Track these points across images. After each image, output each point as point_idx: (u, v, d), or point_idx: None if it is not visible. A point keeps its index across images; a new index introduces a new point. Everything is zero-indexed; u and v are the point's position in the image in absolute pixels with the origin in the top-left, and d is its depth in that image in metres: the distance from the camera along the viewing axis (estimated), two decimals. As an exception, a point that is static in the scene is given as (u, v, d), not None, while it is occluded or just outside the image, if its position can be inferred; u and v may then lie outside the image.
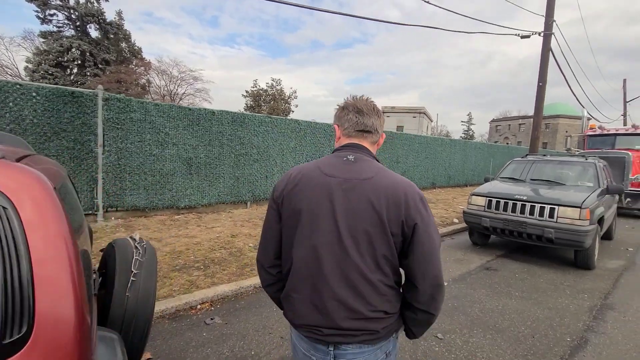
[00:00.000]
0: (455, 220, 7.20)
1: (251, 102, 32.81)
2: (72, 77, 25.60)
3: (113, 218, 5.45)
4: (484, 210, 5.08)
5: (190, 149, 6.02)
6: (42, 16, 26.28)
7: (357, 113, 1.14)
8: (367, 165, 1.08)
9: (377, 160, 1.15)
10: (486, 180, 6.07)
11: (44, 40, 26.44)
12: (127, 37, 30.33)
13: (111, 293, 1.41)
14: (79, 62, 26.35)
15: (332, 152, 1.18)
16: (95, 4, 27.63)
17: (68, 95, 4.76)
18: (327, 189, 1.04)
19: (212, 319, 3.00)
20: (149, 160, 5.58)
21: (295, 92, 33.93)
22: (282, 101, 33.13)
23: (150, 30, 53.28)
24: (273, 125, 7.18)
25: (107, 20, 27.98)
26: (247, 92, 33.34)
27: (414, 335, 1.15)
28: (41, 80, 22.62)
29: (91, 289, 1.14)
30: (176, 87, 29.76)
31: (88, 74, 25.90)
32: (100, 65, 26.50)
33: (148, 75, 30.43)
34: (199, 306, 3.20)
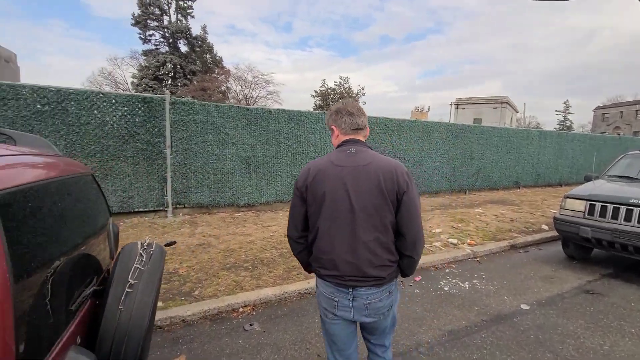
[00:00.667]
0: (544, 227, 6.04)
1: (320, 102, 33.28)
2: (166, 88, 29.11)
3: (181, 214, 5.85)
4: (583, 217, 4.07)
5: (249, 148, 6.14)
6: (143, 37, 30.44)
7: (350, 115, 1.49)
8: (365, 154, 1.43)
9: (371, 148, 1.50)
10: (587, 179, 4.91)
11: (145, 57, 30.63)
12: (210, 49, 33.38)
13: (104, 305, 1.30)
14: (172, 74, 29.92)
15: (337, 148, 1.50)
16: (184, 21, 30.99)
17: (140, 101, 5.21)
18: (340, 176, 1.38)
19: (251, 324, 2.87)
20: (211, 159, 5.84)
21: (363, 89, 33.40)
22: (351, 99, 32.90)
23: (232, 42, 57.99)
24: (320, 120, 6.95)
25: (194, 35, 31.15)
26: (315, 92, 33.90)
27: (405, 274, 1.51)
28: (143, 92, 26.35)
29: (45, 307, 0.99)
30: (250, 91, 31.71)
31: (179, 84, 29.25)
32: (188, 76, 29.69)
33: (227, 82, 33.11)
34: (241, 309, 3.12)
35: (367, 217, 1.35)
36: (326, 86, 33.48)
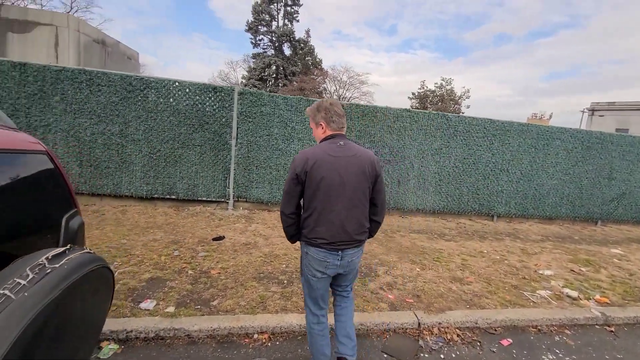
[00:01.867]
0: None
1: (417, 104, 31.22)
2: (268, 89, 31.35)
3: (241, 208, 5.69)
4: None
5: (315, 144, 5.61)
6: (254, 42, 33.36)
7: (339, 116, 1.90)
8: (351, 146, 1.84)
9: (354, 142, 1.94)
10: None
11: (253, 60, 33.54)
12: (311, 51, 34.65)
13: None
14: (275, 75, 32.10)
15: (325, 140, 1.87)
16: (289, 25, 32.84)
17: (211, 90, 5.18)
18: (335, 165, 1.75)
19: (258, 360, 2.28)
20: (274, 154, 5.51)
21: (468, 91, 29.92)
22: (452, 102, 29.90)
23: (337, 47, 59.48)
24: (412, 121, 5.91)
25: (297, 38, 32.75)
26: (413, 94, 31.95)
27: (371, 235, 2.03)
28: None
29: None
30: (345, 91, 31.70)
31: (280, 84, 31.20)
32: (288, 77, 31.39)
33: (324, 83, 33.89)
34: (255, 335, 2.55)
35: (355, 195, 1.79)
36: (425, 88, 31.20)
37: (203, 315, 2.65)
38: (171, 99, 5.08)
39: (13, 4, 9.28)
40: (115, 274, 3.20)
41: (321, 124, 1.87)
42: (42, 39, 6.32)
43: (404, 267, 3.90)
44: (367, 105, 5.77)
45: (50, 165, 1.46)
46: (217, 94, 5.19)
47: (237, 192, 5.54)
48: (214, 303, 2.83)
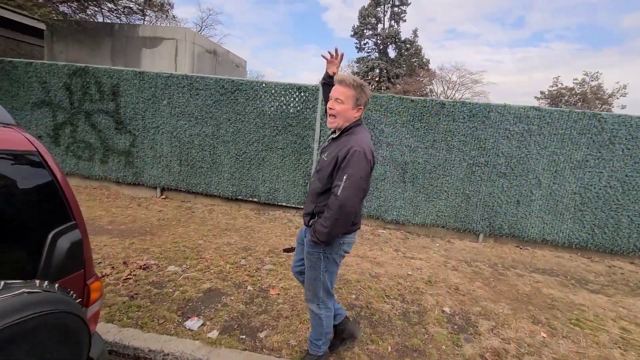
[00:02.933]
0: None
1: (547, 105, 26.06)
2: (368, 92, 30.82)
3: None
4: None
5: (407, 151, 4.78)
6: (358, 46, 33.39)
7: None
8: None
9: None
10: None
11: (357, 64, 33.61)
12: (417, 52, 32.77)
13: None
14: (377, 79, 31.46)
15: (357, 126, 1.88)
16: (395, 26, 31.71)
17: (295, 90, 4.91)
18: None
19: None
20: (359, 160, 4.91)
21: (624, 87, 23.39)
22: (598, 101, 23.88)
23: (449, 46, 54.96)
24: (542, 122, 4.47)
25: (402, 39, 31.39)
26: (542, 93, 26.82)
27: None
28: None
29: None
30: (454, 92, 28.79)
31: (382, 88, 30.40)
32: (392, 80, 30.31)
33: (431, 85, 31.59)
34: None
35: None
36: (559, 85, 25.78)
37: (245, 349, 2.24)
38: (258, 101, 5.01)
39: (150, 23, 11.09)
40: (180, 278, 3.13)
41: (360, 108, 1.85)
42: (165, 51, 7.23)
43: (521, 326, 2.77)
44: (477, 103, 4.62)
45: (40, 168, 1.20)
46: (302, 93, 4.90)
47: (317, 200, 5.14)
48: (261, 335, 2.40)
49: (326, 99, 2.06)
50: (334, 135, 1.91)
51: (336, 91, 1.80)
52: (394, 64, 31.48)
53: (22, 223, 1.14)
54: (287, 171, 5.15)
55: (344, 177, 1.67)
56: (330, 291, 2.01)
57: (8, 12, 8.96)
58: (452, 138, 4.65)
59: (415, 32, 32.86)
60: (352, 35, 32.74)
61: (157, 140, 5.46)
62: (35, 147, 1.21)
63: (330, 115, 1.83)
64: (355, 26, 32.12)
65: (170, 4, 9.25)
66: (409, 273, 3.63)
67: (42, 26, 8.00)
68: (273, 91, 4.96)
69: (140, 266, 3.27)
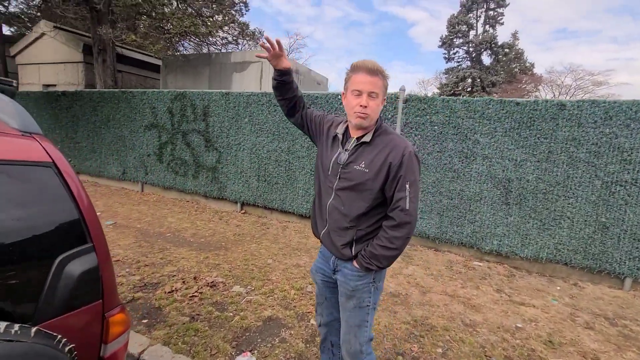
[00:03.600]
0: None
1: None
2: (459, 103, 28.51)
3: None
4: None
5: (511, 165, 3.86)
6: (447, 56, 31.48)
7: None
8: None
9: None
10: None
11: (445, 75, 31.61)
12: (519, 56, 29.24)
13: None
14: (470, 89, 28.94)
15: (382, 124, 1.55)
16: (490, 31, 28.94)
17: (373, 100, 4.50)
18: None
19: None
20: (447, 176, 4.18)
21: None
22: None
23: (558, 48, 47.76)
24: None
25: (499, 44, 28.39)
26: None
27: None
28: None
29: None
30: (567, 97, 24.49)
31: (476, 97, 27.79)
32: (487, 89, 27.49)
33: (537, 91, 27.66)
34: None
35: None
36: None
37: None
38: (334, 114, 4.75)
39: (242, 49, 12.14)
40: (243, 301, 2.95)
41: (384, 99, 1.52)
42: (252, 73, 7.69)
43: None
44: (616, 102, 3.46)
45: (55, 181, 1.05)
46: (380, 104, 4.47)
47: (397, 221, 4.55)
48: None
49: (287, 99, 1.67)
50: (353, 139, 1.50)
51: (368, 83, 1.38)
52: (489, 71, 28.60)
53: (22, 245, 0.98)
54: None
55: (407, 186, 1.41)
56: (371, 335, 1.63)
57: (138, 54, 10.89)
58: (578, 148, 3.58)
59: (515, 34, 29.46)
60: (440, 46, 31.04)
61: (239, 156, 5.66)
62: (52, 158, 1.08)
63: (360, 116, 1.41)
64: (444, 36, 30.39)
65: (261, 32, 9.98)
66: (519, 325, 2.76)
67: (160, 62, 9.44)
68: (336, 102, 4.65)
69: (208, 283, 3.22)
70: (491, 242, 4.06)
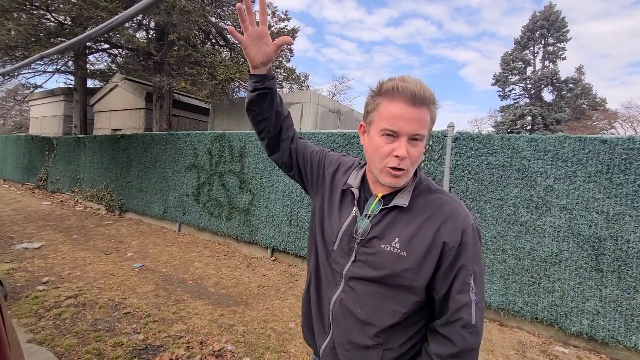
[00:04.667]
0: None
1: None
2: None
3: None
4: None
5: (601, 219, 2.97)
6: (502, 94, 30.06)
7: None
8: None
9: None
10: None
11: (501, 113, 29.96)
12: (586, 92, 26.91)
13: None
14: (530, 127, 26.88)
15: (426, 180, 1.01)
16: (551, 66, 27.24)
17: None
18: None
19: None
20: (512, 230, 3.38)
21: None
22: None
23: (635, 82, 43.53)
24: None
25: (562, 79, 26.47)
26: None
27: None
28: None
29: None
30: (653, 135, 21.36)
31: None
32: (550, 127, 25.31)
33: (611, 128, 24.82)
34: None
35: None
36: None
37: None
38: (370, 155, 4.30)
39: (287, 91, 12.48)
40: (248, 381, 2.39)
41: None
42: (293, 114, 7.67)
43: None
44: None
45: None
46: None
47: (448, 282, 3.75)
48: None
49: (267, 119, 1.11)
50: (376, 200, 0.98)
51: (412, 120, 0.86)
52: (552, 108, 26.49)
53: None
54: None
55: (471, 282, 0.88)
56: None
57: (192, 99, 11.74)
58: None
59: (579, 69, 27.40)
60: (493, 84, 29.80)
61: (272, 198, 5.36)
62: None
63: (395, 174, 0.89)
64: (497, 74, 29.24)
65: (305, 76, 10.23)
66: None
67: (209, 106, 9.99)
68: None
69: (214, 352, 2.73)
70: (579, 320, 3.06)
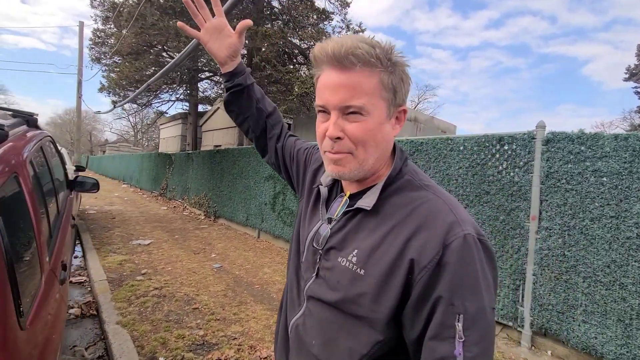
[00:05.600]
0: None
1: None
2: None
3: (549, 354, 3.00)
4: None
5: None
6: (639, 91, 24.14)
7: None
8: None
9: None
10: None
11: (639, 115, 24.06)
12: None
13: None
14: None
15: (408, 158, 0.79)
16: None
17: (494, 143, 3.37)
18: None
19: None
20: (634, 259, 2.53)
21: None
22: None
23: None
24: None
25: None
26: None
27: None
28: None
29: None
30: None
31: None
32: None
33: None
34: None
35: None
36: None
37: None
38: (441, 162, 3.85)
39: None
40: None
41: (401, 112, 0.74)
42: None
43: None
44: None
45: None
46: (505, 147, 3.30)
47: (540, 321, 3.01)
48: None
49: (250, 117, 1.05)
50: (345, 199, 0.80)
51: (338, 88, 0.66)
52: None
53: None
54: (484, 261, 3.43)
55: (457, 325, 0.58)
56: None
57: (279, 116, 12.67)
58: None
59: None
60: (627, 79, 24.08)
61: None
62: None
63: (332, 158, 0.71)
64: (632, 66, 23.57)
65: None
66: None
67: (291, 122, 10.61)
68: (462, 147, 3.66)
69: (261, 359, 2.74)
70: None
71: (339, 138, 0.67)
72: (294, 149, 1.06)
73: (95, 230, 6.92)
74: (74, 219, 2.60)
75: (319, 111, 0.72)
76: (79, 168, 6.52)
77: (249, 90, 1.01)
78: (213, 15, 0.95)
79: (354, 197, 0.78)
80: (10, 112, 1.77)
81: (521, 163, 3.16)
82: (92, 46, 12.15)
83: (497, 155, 3.34)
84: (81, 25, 14.66)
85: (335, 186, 0.85)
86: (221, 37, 0.93)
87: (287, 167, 1.08)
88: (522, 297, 3.14)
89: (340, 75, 0.66)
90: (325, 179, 0.86)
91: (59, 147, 3.39)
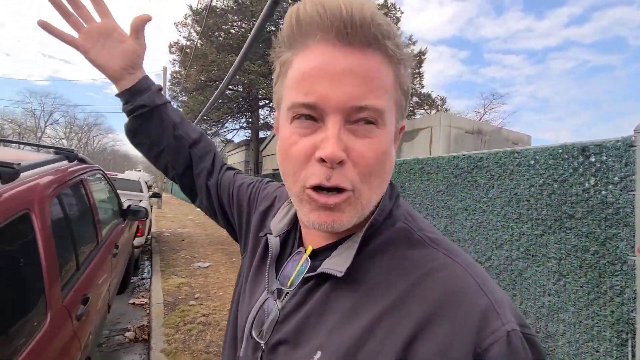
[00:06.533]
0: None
1: None
2: None
3: None
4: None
5: None
6: None
7: None
8: None
9: None
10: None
11: None
12: None
13: None
14: None
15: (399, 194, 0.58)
16: None
17: (576, 154, 2.72)
18: None
19: None
20: None
21: None
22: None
23: None
24: None
25: None
26: None
27: None
28: None
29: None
30: None
31: None
32: None
33: None
34: None
35: None
36: None
37: None
38: (507, 180, 3.27)
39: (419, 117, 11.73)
40: None
41: (403, 126, 0.52)
42: (421, 140, 7.03)
43: None
44: None
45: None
46: (591, 159, 2.64)
47: (663, 387, 2.22)
48: None
49: (164, 149, 0.77)
50: (304, 257, 0.52)
51: (350, 76, 0.38)
52: None
53: None
54: (572, 302, 2.72)
55: None
56: None
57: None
58: None
59: None
60: None
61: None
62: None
63: (330, 200, 0.42)
64: None
65: (442, 99, 9.38)
66: None
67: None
68: (532, 161, 3.06)
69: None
70: None
71: (341, 162, 0.41)
72: (234, 185, 0.77)
73: (164, 252, 7.48)
74: (117, 247, 2.71)
75: (297, 116, 0.44)
76: (155, 195, 7.21)
77: (161, 112, 0.74)
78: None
79: (319, 255, 0.51)
80: (53, 150, 1.93)
81: (616, 178, 2.48)
82: (170, 86, 13.84)
83: (581, 170, 2.69)
84: (164, 70, 16.92)
85: (292, 236, 0.60)
86: (110, 44, 0.68)
87: (224, 210, 0.79)
88: (633, 355, 2.37)
89: (348, 55, 0.40)
90: (276, 224, 0.60)
91: (137, 176, 3.74)
